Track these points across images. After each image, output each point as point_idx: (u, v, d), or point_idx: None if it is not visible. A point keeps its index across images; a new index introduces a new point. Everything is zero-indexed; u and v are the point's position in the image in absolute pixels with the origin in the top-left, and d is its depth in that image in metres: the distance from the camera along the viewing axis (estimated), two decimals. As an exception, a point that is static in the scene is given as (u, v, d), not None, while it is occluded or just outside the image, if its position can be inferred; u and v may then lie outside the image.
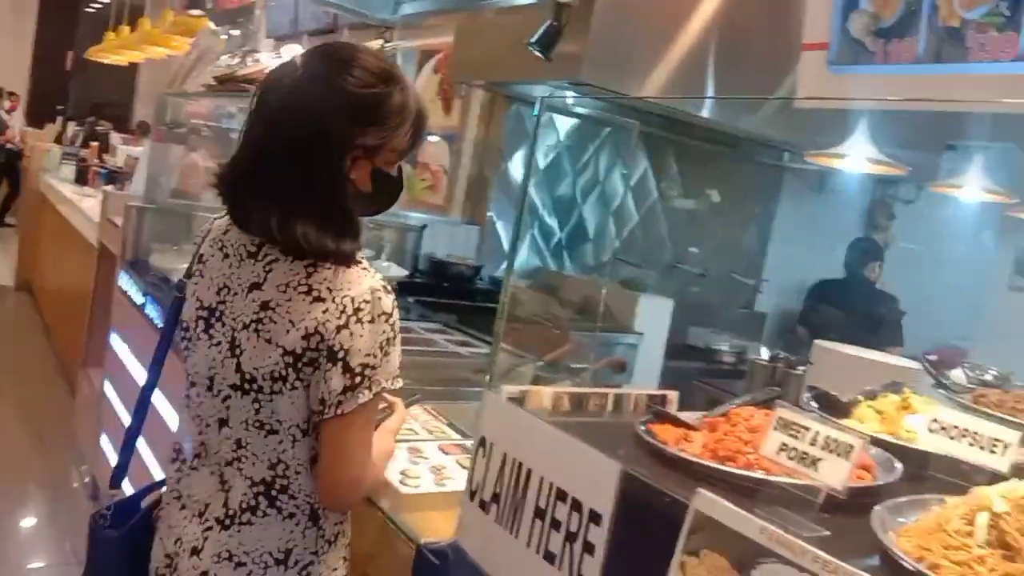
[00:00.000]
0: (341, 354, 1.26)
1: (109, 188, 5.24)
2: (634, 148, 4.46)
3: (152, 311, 3.06)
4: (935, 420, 1.23)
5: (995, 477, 1.13)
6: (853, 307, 4.38)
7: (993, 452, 1.18)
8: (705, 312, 4.82)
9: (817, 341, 2.99)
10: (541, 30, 2.83)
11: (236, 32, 5.89)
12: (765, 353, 3.20)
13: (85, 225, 5.14)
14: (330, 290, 1.28)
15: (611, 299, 4.00)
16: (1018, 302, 5.06)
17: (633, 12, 3.22)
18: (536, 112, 2.11)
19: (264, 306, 1.30)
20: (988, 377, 3.84)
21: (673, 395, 1.54)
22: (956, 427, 1.21)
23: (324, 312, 1.27)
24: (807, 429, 1.03)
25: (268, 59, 3.25)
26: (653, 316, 3.98)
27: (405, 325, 3.42)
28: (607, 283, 4.26)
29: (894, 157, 3.14)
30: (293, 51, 3.28)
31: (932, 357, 3.29)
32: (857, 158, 2.98)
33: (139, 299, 3.29)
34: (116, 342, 3.66)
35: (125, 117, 11.78)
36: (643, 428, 1.29)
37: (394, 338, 1.32)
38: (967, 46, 2.47)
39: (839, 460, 0.98)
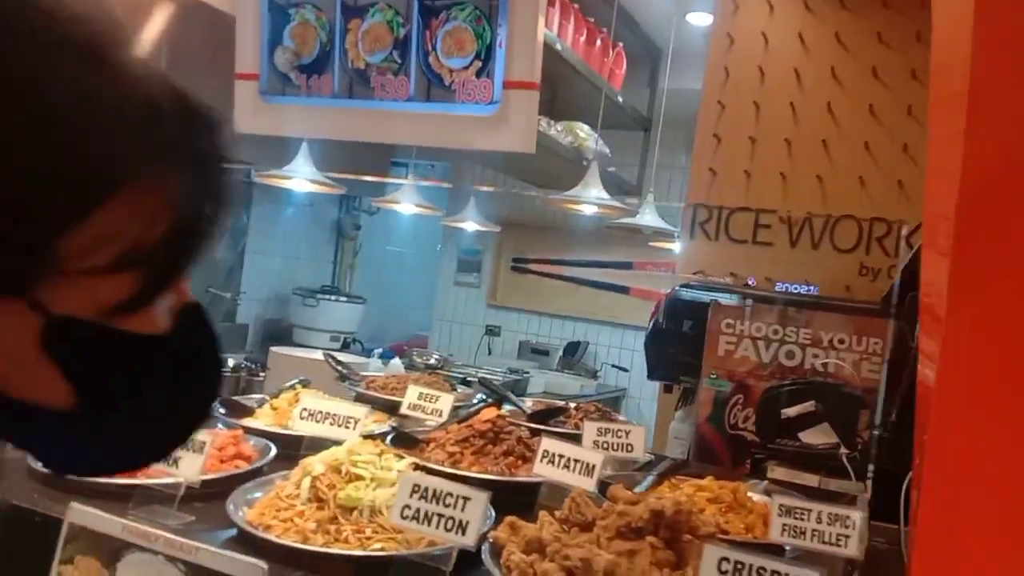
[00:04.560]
0: None
1: None
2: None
3: None
4: (304, 408, 1.50)
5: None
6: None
7: (347, 427, 1.49)
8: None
9: (272, 348, 3.25)
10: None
11: None
12: (231, 362, 3.35)
13: None
14: None
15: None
16: (461, 294, 6.02)
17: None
18: None
19: None
20: (432, 361, 4.52)
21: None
22: (320, 411, 1.49)
23: None
24: (171, 433, 1.19)
25: None
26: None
27: None
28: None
29: (342, 170, 3.54)
30: None
31: (378, 350, 3.78)
32: (300, 180, 3.30)
33: None
34: None
35: None
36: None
37: None
38: (372, 85, 2.96)
39: (195, 456, 1.16)
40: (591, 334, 5.32)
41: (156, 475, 1.19)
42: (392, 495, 1.14)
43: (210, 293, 4.99)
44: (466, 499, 1.00)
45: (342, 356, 2.80)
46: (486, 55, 2.75)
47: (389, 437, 1.51)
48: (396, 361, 3.39)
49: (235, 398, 1.81)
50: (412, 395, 1.76)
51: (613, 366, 5.13)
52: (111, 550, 1.07)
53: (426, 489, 1.02)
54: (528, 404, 2.03)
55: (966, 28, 1.16)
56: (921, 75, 2.55)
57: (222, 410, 1.68)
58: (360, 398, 1.94)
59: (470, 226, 4.83)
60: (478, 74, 2.76)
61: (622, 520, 1.01)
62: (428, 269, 6.31)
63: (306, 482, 1.16)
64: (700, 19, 3.78)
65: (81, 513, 1.10)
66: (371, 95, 2.92)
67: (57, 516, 1.11)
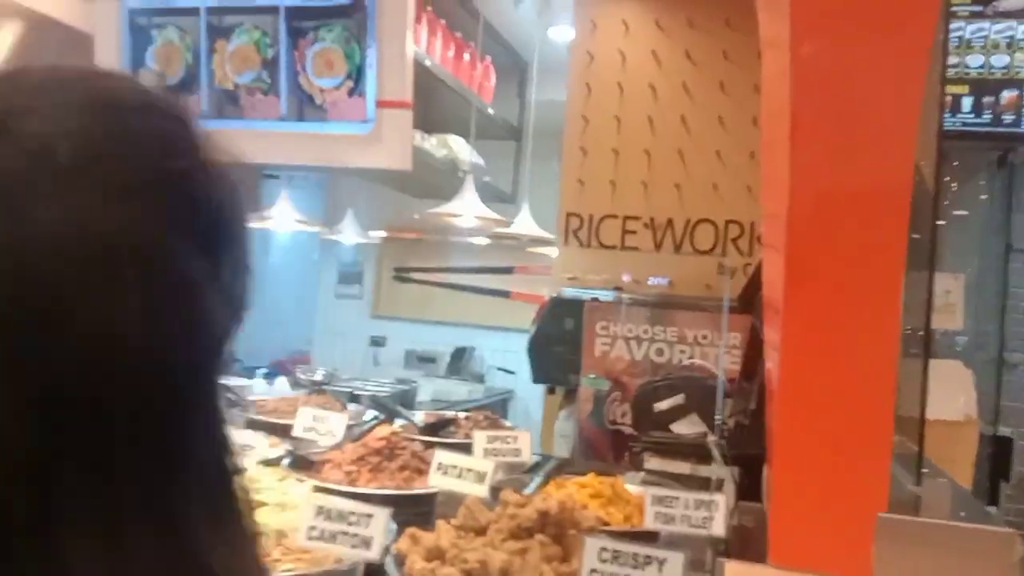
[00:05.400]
0: None
1: None
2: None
3: None
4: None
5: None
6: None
7: (245, 456, 1.52)
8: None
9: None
10: None
11: None
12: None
13: None
14: None
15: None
16: (344, 307, 6.00)
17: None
18: None
19: None
20: (318, 377, 4.50)
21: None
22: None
23: None
24: None
25: None
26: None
27: None
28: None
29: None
30: None
31: (262, 370, 3.75)
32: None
33: None
34: None
35: None
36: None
37: None
38: (241, 105, 2.95)
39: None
40: (476, 339, 5.43)
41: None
42: (296, 518, 1.20)
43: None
44: (368, 516, 1.07)
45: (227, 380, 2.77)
46: (357, 75, 2.80)
47: (286, 461, 1.55)
48: (281, 379, 3.39)
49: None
50: (304, 418, 1.80)
51: (499, 369, 5.25)
52: None
53: (329, 510, 1.09)
54: (419, 417, 2.11)
55: (786, 52, 1.33)
56: (763, 88, 2.80)
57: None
58: (252, 424, 1.96)
59: (349, 238, 4.84)
60: (350, 93, 2.80)
61: (513, 522, 1.11)
62: (306, 283, 6.25)
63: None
64: (562, 34, 3.95)
65: None
66: (241, 115, 2.91)
67: None
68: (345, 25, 2.77)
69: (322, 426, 1.79)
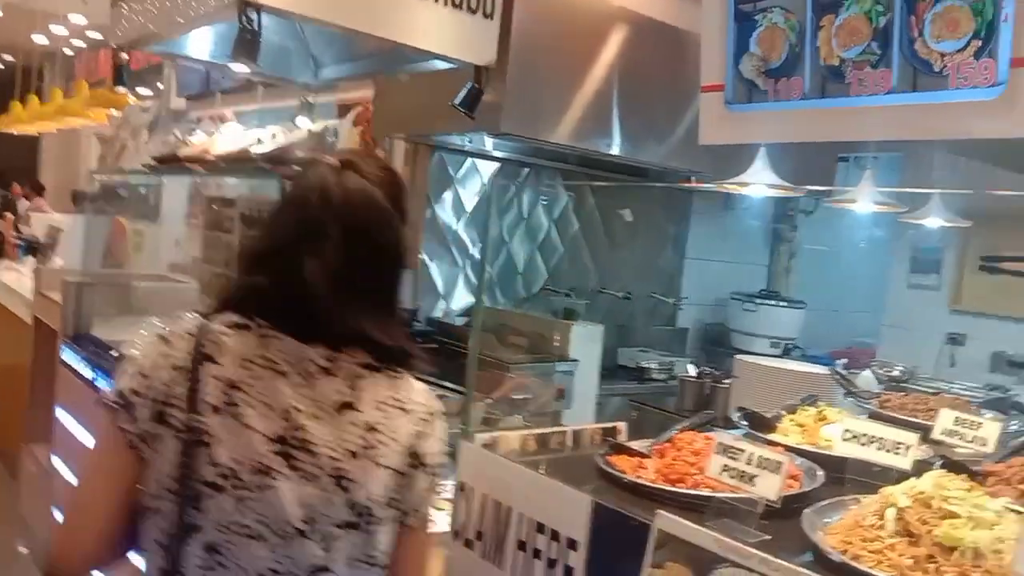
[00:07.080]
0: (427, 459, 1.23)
1: (32, 261, 5.18)
2: (554, 184, 4.70)
3: (104, 384, 3.09)
4: (847, 429, 1.45)
5: (901, 475, 1.36)
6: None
7: (897, 454, 1.40)
8: (631, 332, 5.07)
9: (737, 356, 3.24)
10: (464, 92, 3.01)
11: (147, 92, 5.91)
12: (691, 369, 3.43)
13: (14, 301, 5.05)
14: (409, 400, 1.24)
15: (545, 330, 4.19)
16: (916, 298, 5.47)
17: (543, 66, 3.47)
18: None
19: (369, 428, 1.18)
20: (895, 373, 4.17)
21: (622, 426, 1.72)
22: (865, 434, 1.43)
23: (412, 424, 1.22)
24: (743, 451, 1.23)
25: (205, 138, 3.33)
26: (586, 342, 4.19)
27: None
28: (540, 314, 4.45)
29: (792, 173, 3.42)
30: (232, 130, 3.37)
31: (842, 361, 3.59)
32: (759, 185, 3.27)
33: (87, 373, 3.30)
34: (65, 418, 3.64)
35: (38, 184, 11.28)
36: (603, 460, 1.48)
37: None
38: (847, 81, 2.80)
39: (772, 475, 1.18)
40: (1098, 344, 4.47)
41: (731, 489, 1.24)
42: (995, 538, 1.04)
43: (653, 298, 5.20)
44: (1124, 559, 0.86)
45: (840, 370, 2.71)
46: (986, 33, 2.43)
47: (938, 465, 1.39)
48: (867, 374, 3.19)
49: (753, 411, 1.82)
50: (947, 420, 1.61)
51: None
52: (701, 560, 1.13)
53: (1062, 541, 0.91)
54: (1090, 435, 1.74)
55: None
56: None
57: (744, 421, 1.71)
58: (875, 417, 1.83)
59: (933, 222, 4.36)
60: (977, 55, 2.45)
61: None
62: (872, 271, 5.85)
63: (890, 513, 1.11)
64: None
65: (669, 522, 1.18)
66: (846, 91, 2.75)
67: (647, 521, 1.20)
68: (972, -21, 2.43)
69: (968, 432, 1.58)
